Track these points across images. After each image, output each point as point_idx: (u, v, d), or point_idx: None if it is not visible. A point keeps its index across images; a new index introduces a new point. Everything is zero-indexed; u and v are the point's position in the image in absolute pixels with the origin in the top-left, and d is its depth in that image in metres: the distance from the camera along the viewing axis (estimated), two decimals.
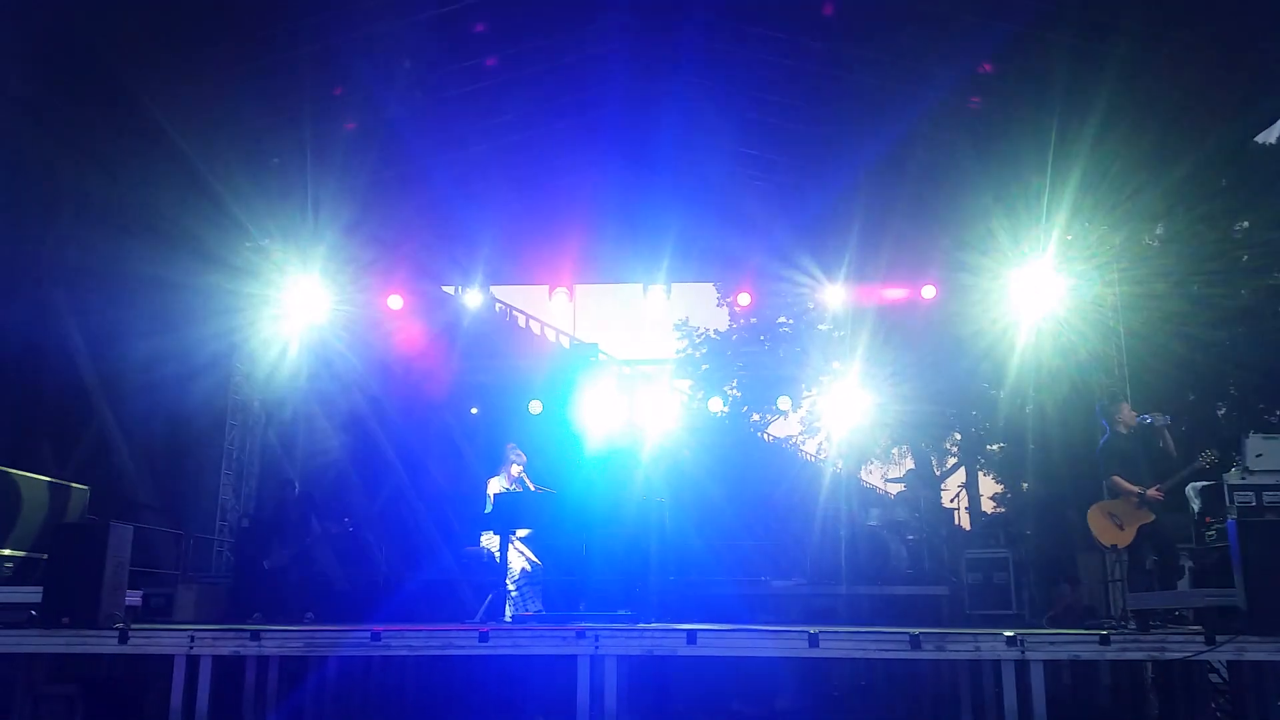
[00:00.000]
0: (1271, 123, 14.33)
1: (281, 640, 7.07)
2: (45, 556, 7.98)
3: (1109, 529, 8.57)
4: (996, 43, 10.60)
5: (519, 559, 9.39)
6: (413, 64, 11.59)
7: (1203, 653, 6.56)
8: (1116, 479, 8.61)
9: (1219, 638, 6.50)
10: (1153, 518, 8.42)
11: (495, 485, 9.67)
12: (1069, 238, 12.73)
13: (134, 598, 8.63)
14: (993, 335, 13.70)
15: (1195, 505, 9.47)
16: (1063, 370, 13.52)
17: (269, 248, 13.49)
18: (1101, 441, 8.98)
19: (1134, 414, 8.81)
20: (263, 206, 12.73)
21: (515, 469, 9.75)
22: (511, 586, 9.16)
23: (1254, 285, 17.02)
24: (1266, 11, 9.35)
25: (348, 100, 11.95)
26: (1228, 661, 7.49)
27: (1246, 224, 17.40)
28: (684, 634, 6.85)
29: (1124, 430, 8.78)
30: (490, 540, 9.46)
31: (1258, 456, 8.76)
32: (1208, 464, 8.47)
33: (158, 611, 10.69)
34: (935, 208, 12.93)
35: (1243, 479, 8.88)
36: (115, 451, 12.87)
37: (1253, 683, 7.75)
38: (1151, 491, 8.39)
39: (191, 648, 6.94)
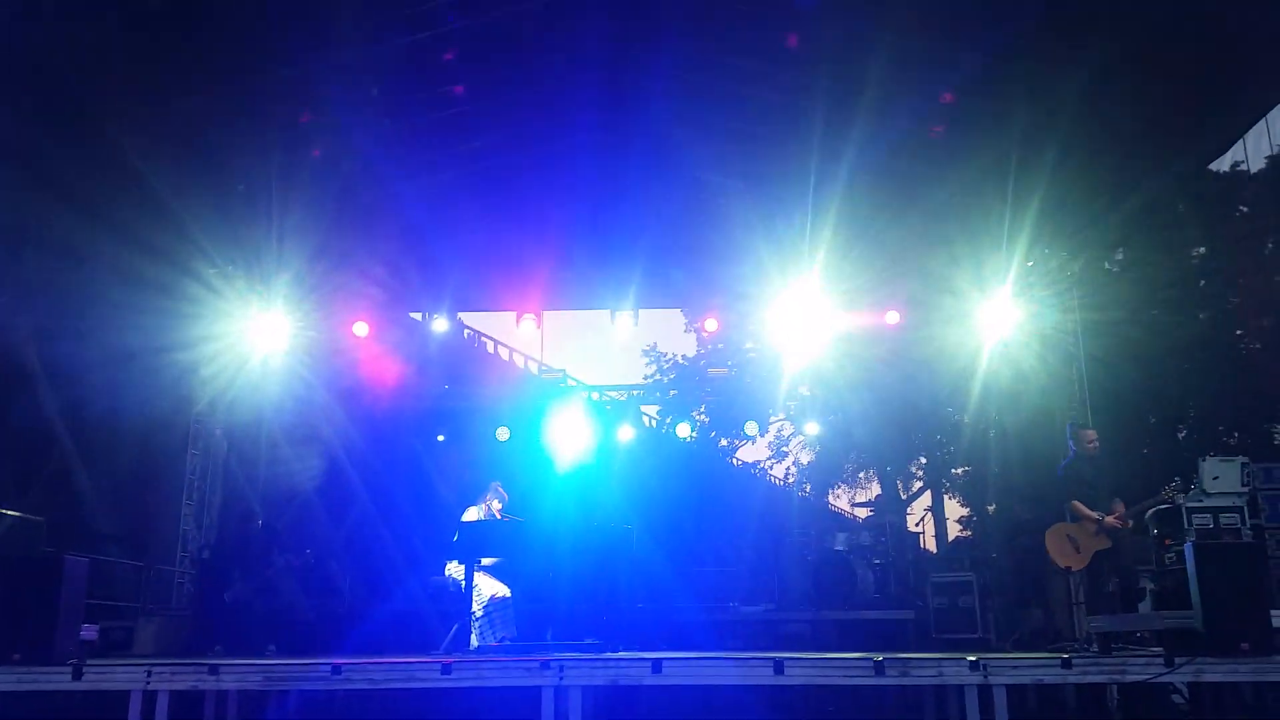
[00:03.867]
0: (1224, 151, 14.68)
1: (240, 674, 6.96)
2: None
3: (1066, 551, 8.67)
4: (958, 74, 10.79)
5: (487, 588, 9.32)
6: (381, 91, 11.60)
7: (1163, 675, 6.62)
8: (1076, 505, 8.73)
9: (1178, 659, 6.57)
10: (1109, 544, 8.51)
11: (470, 516, 9.64)
12: (1029, 264, 12.93)
13: (90, 632, 8.48)
14: (956, 361, 13.86)
15: (1153, 528, 9.60)
16: (1024, 395, 13.69)
17: (233, 274, 13.39)
18: (1063, 463, 9.09)
19: (1095, 443, 8.93)
20: (227, 232, 12.64)
21: (495, 504, 9.72)
22: (478, 610, 9.08)
23: (1211, 311, 17.34)
24: (1218, 43, 9.60)
25: (315, 127, 11.93)
26: (1189, 683, 7.56)
27: (1203, 250, 17.75)
28: (649, 663, 6.82)
29: (1083, 454, 8.91)
30: (456, 569, 9.40)
31: (1214, 479, 8.90)
32: (1169, 497, 8.60)
33: (117, 645, 10.50)
34: (899, 235, 13.08)
35: (1200, 502, 9.01)
36: (76, 481, 12.67)
37: (1212, 703, 7.84)
38: (1110, 519, 8.49)
39: (148, 682, 6.81)
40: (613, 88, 12.14)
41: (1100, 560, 8.59)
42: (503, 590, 9.22)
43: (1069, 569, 8.74)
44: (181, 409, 13.27)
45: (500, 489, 9.82)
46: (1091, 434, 9.04)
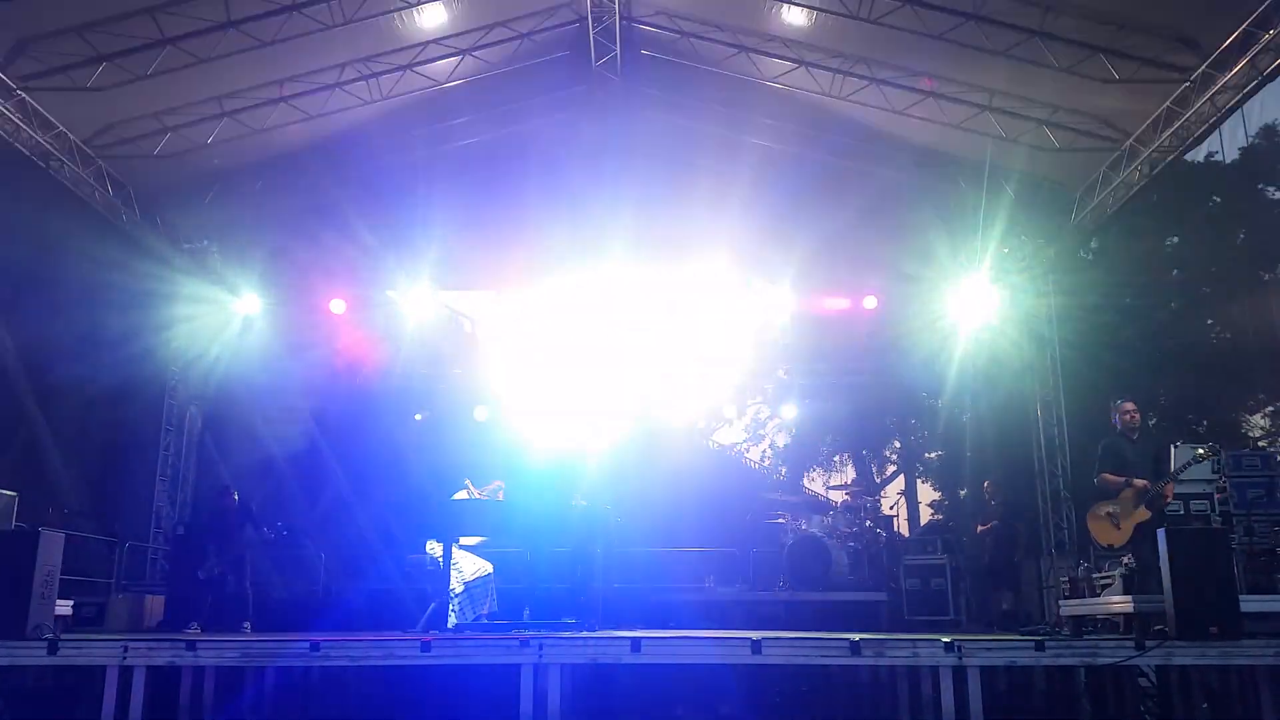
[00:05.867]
0: (1200, 142, 14.78)
1: (218, 650, 6.93)
2: None
3: (1106, 529, 8.34)
4: (936, 59, 10.83)
5: (469, 564, 9.29)
6: (357, 68, 11.50)
7: (1132, 658, 6.73)
8: (1104, 475, 8.45)
9: (1148, 643, 6.68)
10: (1149, 515, 8.19)
11: (461, 495, 9.58)
12: (1005, 250, 13.03)
13: (64, 607, 8.40)
14: (932, 345, 13.95)
15: None
16: (999, 380, 13.82)
17: (207, 250, 13.25)
18: (1104, 440, 8.77)
19: (1134, 415, 8.60)
20: (201, 209, 12.53)
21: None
22: (458, 586, 9.06)
23: (1182, 299, 17.54)
24: (1194, 33, 9.69)
25: (291, 103, 11.81)
26: (1156, 666, 7.68)
27: (1175, 239, 17.95)
28: (628, 642, 6.86)
29: (1120, 428, 8.60)
30: (436, 547, 9.37)
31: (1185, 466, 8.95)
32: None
33: (89, 621, 10.44)
34: (877, 221, 13.13)
35: None
36: (46, 457, 12.57)
37: (1180, 686, 7.99)
38: (1138, 481, 8.21)
39: (125, 658, 6.77)
40: (592, 67, 12.09)
41: (1140, 537, 8.14)
42: (485, 566, 9.21)
43: (1111, 547, 8.52)
44: (155, 386, 13.15)
45: (500, 494, 9.70)
46: (1129, 405, 8.63)
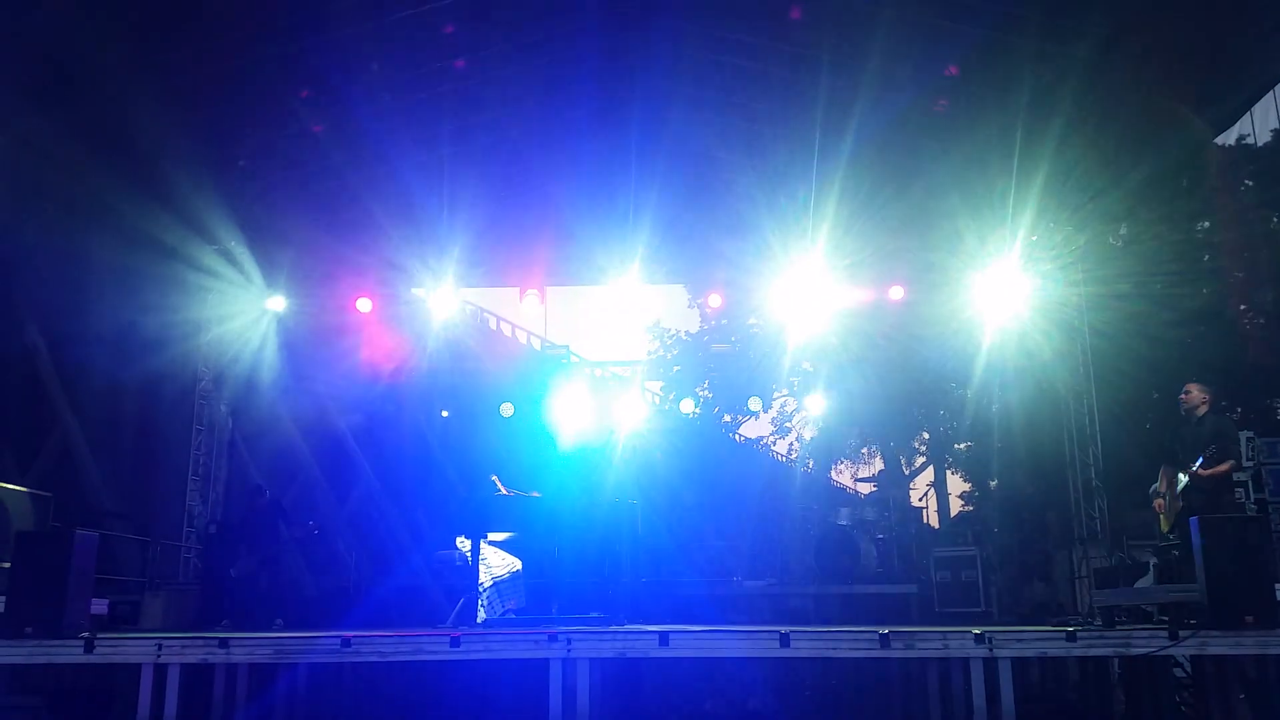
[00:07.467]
0: (1231, 124, 14.56)
1: (250, 648, 7.01)
2: (5, 565, 7.86)
3: (1161, 514, 8.47)
4: (963, 47, 10.72)
5: (497, 559, 9.33)
6: (381, 66, 11.56)
7: (1166, 648, 6.65)
8: (1164, 469, 8.44)
9: (1181, 633, 6.60)
10: (1180, 504, 8.17)
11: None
12: (1034, 239, 12.88)
13: (100, 606, 8.53)
14: (960, 335, 13.83)
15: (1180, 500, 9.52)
16: (1028, 369, 13.67)
17: (235, 250, 13.37)
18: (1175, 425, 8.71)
19: (1188, 396, 8.44)
20: (229, 209, 12.63)
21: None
22: (487, 580, 9.10)
23: (1215, 284, 17.26)
24: (1224, 17, 9.54)
25: (315, 103, 11.89)
26: (1191, 656, 7.59)
27: (1207, 224, 17.66)
28: (656, 635, 6.86)
29: (1184, 413, 8.48)
30: (465, 543, 9.42)
31: None
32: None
33: (124, 620, 10.57)
34: (903, 209, 13.04)
35: None
36: (79, 458, 12.72)
37: (1215, 676, 7.87)
38: (1157, 502, 8.38)
39: (159, 656, 6.87)
40: (613, 61, 12.08)
41: (1185, 523, 7.87)
42: (513, 562, 9.24)
43: (1164, 535, 8.57)
44: (185, 385, 13.29)
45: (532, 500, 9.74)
46: (1187, 387, 8.49)
